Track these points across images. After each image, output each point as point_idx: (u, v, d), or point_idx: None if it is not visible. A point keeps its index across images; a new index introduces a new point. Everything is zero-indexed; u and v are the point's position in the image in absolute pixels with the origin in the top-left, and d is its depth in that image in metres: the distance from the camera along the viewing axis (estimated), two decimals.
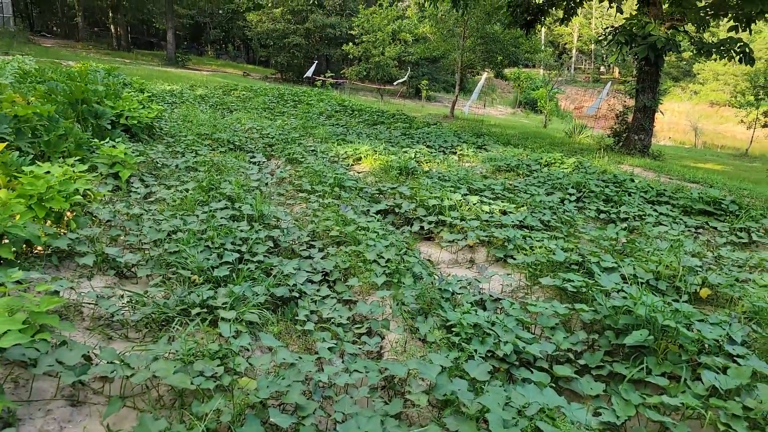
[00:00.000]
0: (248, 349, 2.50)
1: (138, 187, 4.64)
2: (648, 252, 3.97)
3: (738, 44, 9.77)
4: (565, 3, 11.68)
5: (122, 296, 2.83)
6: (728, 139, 25.52)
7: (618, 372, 2.52)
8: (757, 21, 9.70)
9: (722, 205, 5.71)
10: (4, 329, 1.93)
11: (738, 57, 9.75)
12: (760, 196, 7.03)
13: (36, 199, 3.23)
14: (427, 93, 27.26)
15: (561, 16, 12.14)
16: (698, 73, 42.17)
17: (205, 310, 2.71)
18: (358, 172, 6.56)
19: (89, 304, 2.75)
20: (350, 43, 27.46)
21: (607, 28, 11.15)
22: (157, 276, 3.14)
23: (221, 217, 3.88)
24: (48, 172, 3.50)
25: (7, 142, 4.11)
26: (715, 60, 11.59)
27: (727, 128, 29.50)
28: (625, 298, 2.93)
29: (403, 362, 2.40)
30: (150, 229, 3.61)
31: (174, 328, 2.61)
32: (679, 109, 29.16)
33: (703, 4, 10.55)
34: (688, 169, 9.67)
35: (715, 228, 5.31)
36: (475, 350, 2.53)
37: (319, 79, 22.95)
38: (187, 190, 4.57)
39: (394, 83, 26.33)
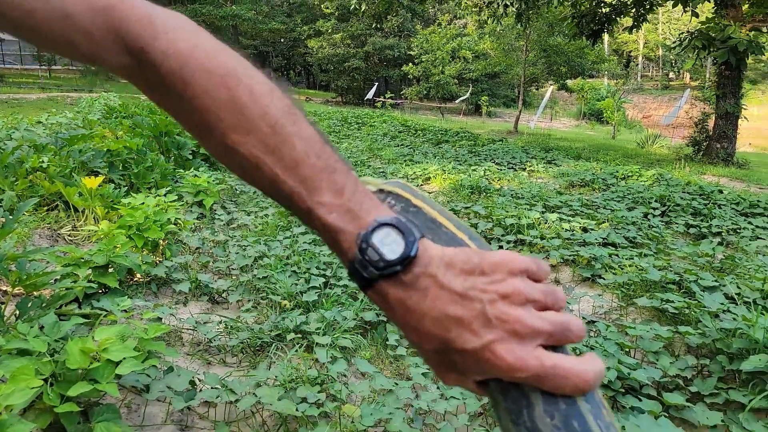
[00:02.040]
0: (345, 375, 2.50)
1: (221, 214, 4.79)
2: (750, 269, 3.73)
3: None
4: (634, 10, 11.33)
5: (220, 322, 2.90)
6: None
7: (735, 400, 2.35)
8: None
9: None
10: (120, 357, 2.02)
11: None
12: None
13: (135, 229, 3.39)
14: (487, 109, 27.05)
15: (629, 24, 11.76)
16: None
17: (299, 335, 2.74)
18: (429, 192, 6.54)
19: (188, 329, 2.84)
20: (409, 64, 27.70)
21: (682, 33, 10.71)
22: (248, 301, 3.21)
23: (303, 242, 3.94)
24: (143, 203, 3.68)
25: (102, 176, 4.36)
26: None
27: None
28: (734, 319, 2.75)
29: None
30: (237, 255, 3.71)
31: (271, 353, 2.65)
32: (759, 113, 27.63)
33: None
34: None
35: None
36: None
37: (380, 101, 23.21)
38: (267, 216, 4.68)
39: (456, 101, 26.29)
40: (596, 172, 7.69)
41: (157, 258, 3.54)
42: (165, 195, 4.27)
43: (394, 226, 0.48)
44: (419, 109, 27.69)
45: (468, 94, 24.55)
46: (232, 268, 3.61)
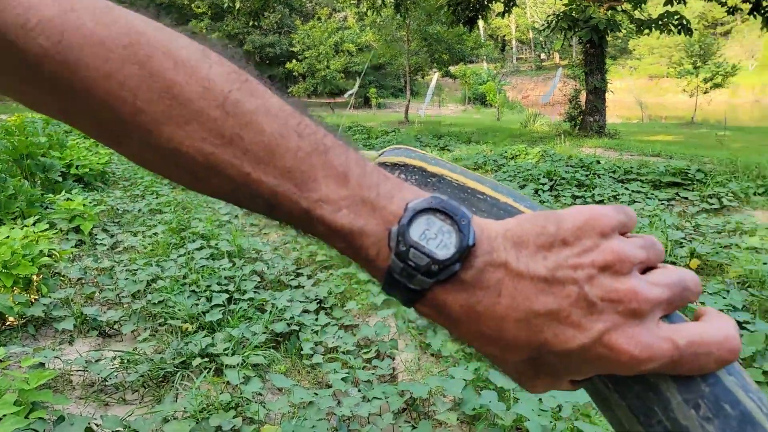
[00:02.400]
0: (261, 394, 2.37)
1: (103, 239, 4.41)
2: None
3: (676, 17, 10.09)
4: None
5: (114, 357, 2.65)
6: (670, 109, 26.48)
7: None
8: None
9: (688, 175, 5.83)
10: None
11: (677, 29, 10.07)
12: (720, 161, 7.23)
13: (1, 267, 3.00)
14: (377, 101, 27.33)
15: (500, 10, 12.30)
16: (634, 49, 43.66)
17: (206, 359, 2.56)
18: None
19: (78, 371, 2.56)
20: (293, 60, 27.30)
21: (549, 16, 11.37)
22: (144, 330, 2.97)
23: (200, 258, 3.71)
24: (8, 237, 3.28)
25: None
26: (648, 35, 11.97)
27: (668, 99, 30.64)
28: None
29: (423, 381, 2.32)
30: (126, 281, 3.42)
31: (177, 383, 2.45)
32: (621, 86, 30.10)
33: None
34: (644, 144, 9.91)
35: (686, 198, 5.41)
36: None
37: None
38: (156, 234, 4.37)
39: (345, 95, 26.32)
40: (487, 154, 7.97)
41: (32, 296, 3.17)
42: (34, 224, 3.84)
43: (435, 210, 0.36)
44: (308, 107, 27.37)
45: (356, 88, 24.64)
46: (123, 296, 3.32)
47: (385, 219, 0.37)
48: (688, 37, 10.39)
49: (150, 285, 3.38)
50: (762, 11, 9.76)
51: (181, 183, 0.40)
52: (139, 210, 5.22)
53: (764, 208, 5.13)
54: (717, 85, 23.72)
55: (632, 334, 0.33)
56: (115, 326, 3.03)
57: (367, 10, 13.16)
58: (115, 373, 2.54)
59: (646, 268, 0.36)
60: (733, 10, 10.07)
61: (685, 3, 10.20)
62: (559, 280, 0.34)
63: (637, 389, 0.35)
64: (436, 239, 0.36)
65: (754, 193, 5.53)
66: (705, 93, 23.18)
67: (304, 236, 0.41)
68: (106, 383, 2.50)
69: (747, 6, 9.68)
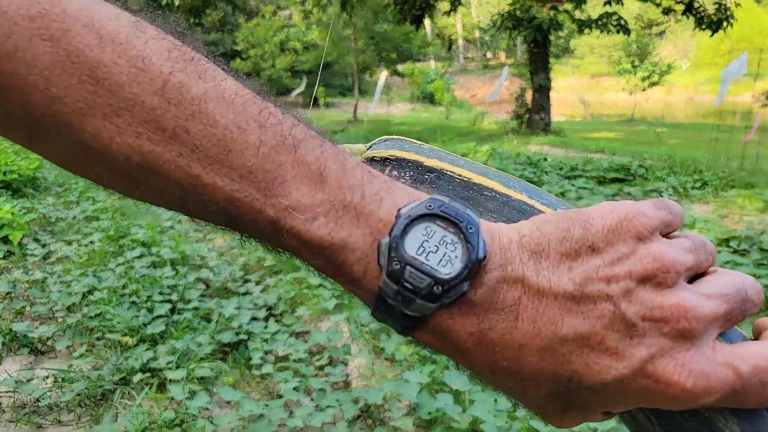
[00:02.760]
0: (207, 408, 2.27)
1: (34, 249, 4.15)
2: None
3: (615, 17, 10.45)
4: None
5: (47, 376, 2.49)
6: (611, 107, 27.42)
7: None
8: None
9: (631, 171, 6.02)
10: None
11: (616, 29, 10.42)
12: (659, 157, 7.50)
13: None
14: (324, 100, 27.14)
15: (447, 9, 12.42)
16: (575, 49, 45.00)
17: (147, 374, 2.43)
18: None
19: (7, 392, 2.40)
20: (237, 59, 26.80)
21: (494, 16, 11.56)
22: (80, 345, 2.80)
23: (141, 266, 3.54)
24: None
25: None
26: (589, 34, 12.34)
27: (609, 97, 31.72)
28: None
29: (377, 387, 2.27)
30: (60, 294, 3.24)
31: (116, 401, 2.32)
32: (564, 85, 31.01)
33: None
34: (588, 141, 10.21)
35: (629, 193, 5.57)
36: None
37: None
38: (92, 243, 4.15)
39: (292, 95, 26.03)
40: None
41: None
42: None
43: (435, 215, 0.30)
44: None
45: (303, 87, 24.43)
46: (56, 310, 3.13)
47: (373, 228, 0.31)
48: (626, 36, 10.79)
49: (86, 297, 3.20)
50: (694, 12, 10.23)
51: (116, 189, 0.33)
52: (74, 217, 4.96)
53: (701, 202, 5.34)
54: (654, 84, 24.74)
55: (683, 361, 0.28)
56: (49, 342, 2.84)
57: (312, 7, 13.02)
58: (49, 393, 2.38)
59: (694, 276, 0.31)
60: (667, 11, 10.52)
61: (622, 3, 10.59)
62: (590, 297, 0.29)
63: (688, 426, 0.29)
64: (437, 253, 0.30)
65: (692, 187, 5.74)
66: (643, 91, 24.16)
67: (274, 251, 0.35)
68: (39, 404, 2.34)
69: (680, 7, 10.12)
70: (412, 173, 0.38)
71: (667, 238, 0.32)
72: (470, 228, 0.30)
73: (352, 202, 0.31)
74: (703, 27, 9.90)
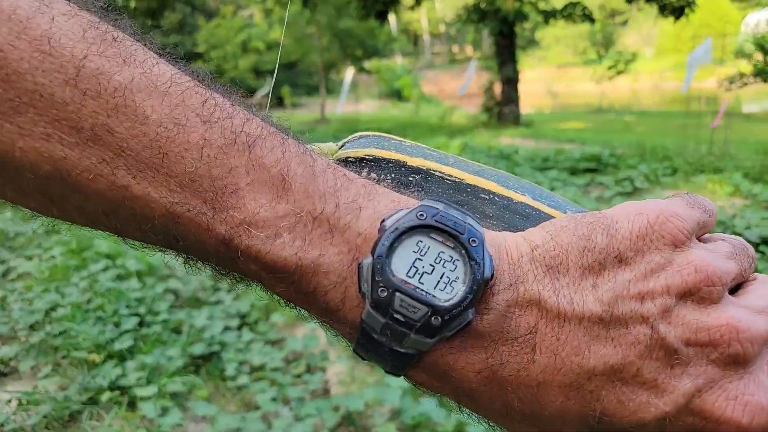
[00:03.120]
0: (181, 425, 2.19)
1: None
2: None
3: (579, 7, 10.59)
4: None
5: (10, 400, 2.39)
6: (579, 97, 27.77)
7: None
8: None
9: (602, 160, 6.07)
10: None
11: (581, 18, 10.57)
12: (629, 145, 7.60)
13: None
14: (291, 100, 26.90)
15: (411, 4, 12.40)
16: (541, 40, 45.52)
17: (117, 392, 2.35)
18: None
19: None
20: (198, 61, 26.39)
21: (459, 9, 11.59)
22: (45, 365, 2.69)
23: (105, 279, 3.42)
24: None
25: None
26: (553, 25, 12.48)
27: (576, 87, 32.13)
28: None
29: (357, 393, 2.22)
30: (22, 312, 3.11)
31: (85, 422, 2.22)
32: (531, 77, 31.28)
33: None
34: (559, 132, 10.30)
35: (602, 183, 5.61)
36: None
37: None
38: (54, 257, 4.00)
39: (258, 95, 25.73)
40: None
41: None
42: None
43: (428, 227, 0.25)
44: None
45: (270, 87, 24.17)
46: (18, 329, 3.00)
47: (352, 246, 0.25)
48: (591, 26, 10.94)
49: (49, 314, 3.08)
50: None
51: (26, 206, 0.27)
52: (34, 231, 4.78)
53: (673, 188, 5.40)
54: (620, 72, 25.18)
55: (736, 393, 0.23)
56: (11, 363, 2.72)
57: (273, 5, 12.86)
58: (13, 417, 2.27)
59: (735, 287, 0.26)
60: (630, 0, 10.71)
61: None
62: (621, 320, 0.24)
63: None
64: (433, 274, 0.25)
65: (663, 174, 5.81)
66: (610, 79, 24.57)
67: (228, 278, 0.29)
68: (3, 429, 2.24)
69: None
70: (394, 175, 0.32)
71: (701, 241, 0.27)
72: (473, 241, 0.25)
73: (323, 213, 0.25)
74: (666, 14, 10.08)
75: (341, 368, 2.55)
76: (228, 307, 3.15)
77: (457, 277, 0.25)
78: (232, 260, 0.26)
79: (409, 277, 0.25)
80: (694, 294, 0.24)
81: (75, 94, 0.23)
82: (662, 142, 7.29)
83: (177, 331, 2.89)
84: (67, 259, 3.88)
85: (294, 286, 0.26)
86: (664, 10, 10.17)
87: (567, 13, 10.55)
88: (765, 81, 13.07)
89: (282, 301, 0.27)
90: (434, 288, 0.25)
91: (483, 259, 0.24)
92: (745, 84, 13.69)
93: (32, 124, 0.23)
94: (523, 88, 12.67)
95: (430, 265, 0.25)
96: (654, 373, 0.24)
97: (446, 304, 0.24)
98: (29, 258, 4.13)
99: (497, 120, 11.38)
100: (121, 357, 2.64)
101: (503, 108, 11.32)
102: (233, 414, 2.21)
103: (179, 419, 2.16)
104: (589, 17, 10.48)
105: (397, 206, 0.26)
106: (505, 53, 10.91)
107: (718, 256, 0.26)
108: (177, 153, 0.24)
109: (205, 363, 2.65)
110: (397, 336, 0.25)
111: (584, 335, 0.24)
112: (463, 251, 0.25)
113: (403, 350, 0.25)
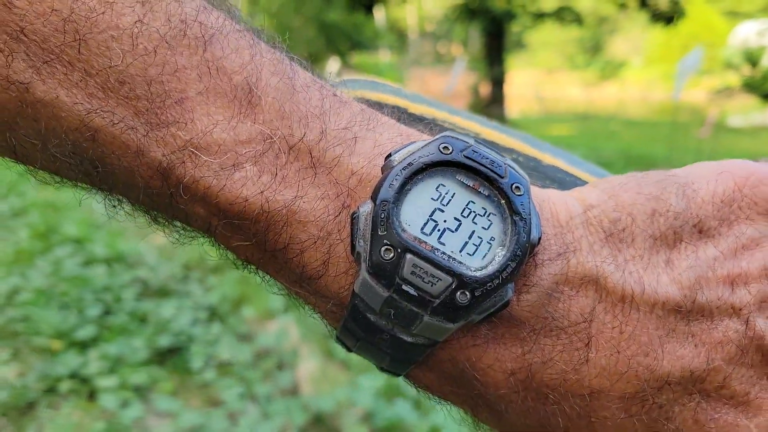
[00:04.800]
0: (142, 418, 2.15)
1: None
2: None
3: (569, 11, 10.71)
4: None
5: None
6: (566, 102, 27.96)
7: None
8: None
9: None
10: None
11: (571, 21, 10.69)
12: (615, 152, 7.70)
13: None
14: None
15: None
16: (529, 43, 45.84)
17: (77, 381, 2.29)
18: None
19: None
20: None
21: (448, 8, 11.64)
22: (4, 350, 2.60)
23: (72, 265, 3.33)
24: None
25: None
26: (541, 27, 12.55)
27: (564, 92, 32.33)
28: None
29: (329, 393, 2.18)
30: None
31: (42, 411, 2.16)
32: (518, 79, 31.43)
33: None
34: (544, 136, 10.33)
35: None
36: None
37: None
38: (19, 241, 3.89)
39: None
40: None
41: None
42: None
43: (453, 164, 0.18)
44: None
45: None
46: None
47: (342, 188, 0.19)
48: (580, 30, 11.08)
49: (11, 298, 2.98)
50: (648, 6, 10.52)
51: None
52: (1, 213, 4.66)
53: None
54: (608, 78, 25.41)
55: None
56: None
57: None
58: None
59: None
60: (622, 6, 10.80)
61: None
62: (705, 310, 0.18)
63: None
64: (458, 232, 0.18)
65: None
66: (597, 85, 24.83)
67: (166, 228, 0.23)
68: None
69: (634, 2, 10.38)
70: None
71: None
72: (517, 188, 0.18)
73: (303, 141, 0.19)
74: (657, 21, 10.21)
75: (313, 366, 2.50)
76: (198, 298, 3.08)
77: (493, 238, 0.18)
78: (171, 199, 0.19)
79: (426, 234, 0.18)
80: None
81: None
82: (649, 151, 7.35)
83: (143, 321, 2.81)
84: (33, 243, 3.76)
85: (257, 239, 0.20)
86: (654, 17, 10.28)
87: (557, 16, 10.63)
88: (752, 94, 13.27)
89: (238, 262, 0.22)
90: (460, 251, 0.18)
91: (530, 215, 0.18)
92: (732, 96, 13.89)
93: None
94: (509, 90, 12.70)
95: (455, 219, 0.18)
96: (746, 384, 0.17)
97: (479, 274, 0.17)
98: None
99: None
100: (84, 345, 2.56)
101: (489, 109, 11.36)
102: (197, 410, 2.16)
103: (140, 413, 2.11)
104: (579, 21, 10.55)
105: (408, 140, 0.19)
106: (494, 54, 10.94)
107: None
108: (100, 41, 0.17)
109: (170, 356, 2.58)
110: (404, 317, 0.18)
111: (656, 328, 0.18)
112: (503, 202, 0.18)
113: (410, 339, 0.19)
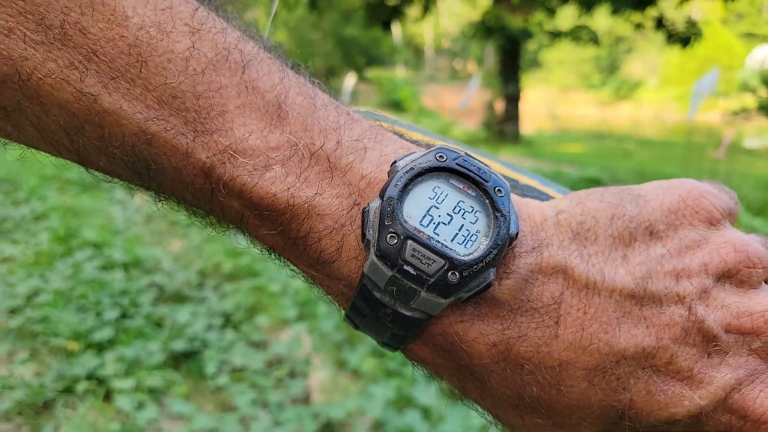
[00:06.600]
0: (156, 420, 2.16)
1: None
2: None
3: (586, 30, 10.68)
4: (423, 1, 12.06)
5: None
6: (580, 121, 27.89)
7: None
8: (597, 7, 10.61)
9: (601, 184, 6.03)
10: None
11: (588, 41, 10.65)
12: (629, 171, 7.64)
13: None
14: None
15: (417, 16, 12.48)
16: (545, 62, 45.84)
17: (93, 382, 2.31)
18: None
19: None
20: None
21: (465, 26, 11.67)
22: (23, 350, 2.63)
23: (91, 268, 3.37)
24: None
25: None
26: (557, 46, 12.54)
27: (578, 111, 32.29)
28: None
29: (339, 401, 2.18)
30: (2, 295, 3.04)
31: (58, 410, 2.18)
32: (533, 97, 31.44)
33: None
34: (558, 153, 10.35)
35: None
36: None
37: None
38: (40, 243, 3.95)
39: None
40: None
41: None
42: None
43: (447, 170, 0.22)
44: None
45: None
46: None
47: (354, 188, 0.22)
48: (596, 50, 11.07)
49: (30, 300, 3.02)
50: (664, 27, 10.49)
51: None
52: (23, 216, 4.72)
53: None
54: (623, 98, 25.36)
55: None
56: None
57: (280, 9, 12.90)
58: None
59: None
60: (638, 26, 10.78)
61: (591, 15, 10.83)
62: (655, 297, 0.21)
63: None
64: (450, 225, 0.22)
65: None
66: (612, 104, 24.77)
67: (204, 220, 0.26)
68: None
69: (650, 23, 10.36)
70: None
71: None
72: (499, 191, 0.22)
73: (323, 149, 0.22)
74: (673, 42, 10.17)
75: (324, 375, 2.51)
76: (213, 304, 3.10)
77: (478, 231, 0.22)
78: (212, 194, 0.23)
79: (423, 226, 0.22)
80: (734, 275, 0.21)
81: None
82: (663, 170, 7.31)
83: (159, 325, 2.84)
84: (53, 246, 3.82)
85: (282, 229, 0.23)
86: (671, 38, 10.26)
87: (574, 35, 10.63)
88: None
89: (265, 250, 0.24)
90: (452, 241, 0.22)
91: (509, 213, 0.21)
92: (748, 118, 13.79)
93: None
94: (524, 108, 12.72)
95: (448, 215, 0.22)
96: (689, 360, 0.21)
97: (466, 258, 0.21)
98: (15, 242, 4.06)
99: (497, 137, 11.41)
100: (101, 347, 2.59)
101: (503, 125, 11.37)
102: (210, 414, 2.17)
103: (155, 415, 2.13)
104: (595, 40, 10.55)
105: (409, 151, 0.23)
106: (509, 71, 10.97)
107: (754, 239, 0.23)
108: (158, 63, 0.21)
109: (185, 360, 2.60)
110: (404, 293, 0.22)
111: (615, 311, 0.21)
112: (487, 201, 0.22)
113: (408, 313, 0.22)
